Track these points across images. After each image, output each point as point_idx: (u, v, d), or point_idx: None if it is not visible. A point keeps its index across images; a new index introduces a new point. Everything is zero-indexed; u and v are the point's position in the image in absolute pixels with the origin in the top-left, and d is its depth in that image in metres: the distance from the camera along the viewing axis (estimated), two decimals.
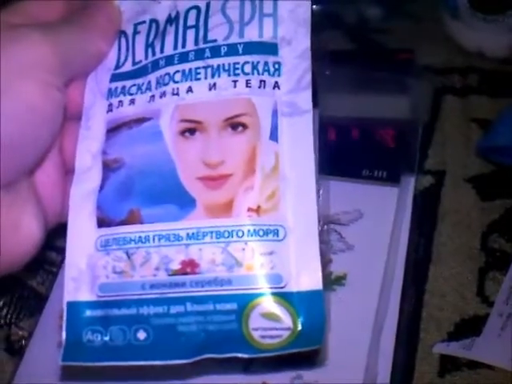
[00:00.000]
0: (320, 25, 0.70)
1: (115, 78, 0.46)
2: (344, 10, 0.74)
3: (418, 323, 0.53)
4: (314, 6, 0.69)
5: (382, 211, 0.56)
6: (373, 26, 0.73)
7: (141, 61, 0.46)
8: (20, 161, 0.42)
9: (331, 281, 0.53)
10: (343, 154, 0.59)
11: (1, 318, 0.56)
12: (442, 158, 0.62)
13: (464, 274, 0.55)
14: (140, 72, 0.45)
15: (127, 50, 0.46)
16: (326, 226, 0.55)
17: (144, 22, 0.46)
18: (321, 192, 0.55)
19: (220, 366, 0.50)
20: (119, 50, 0.46)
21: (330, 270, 0.54)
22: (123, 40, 0.46)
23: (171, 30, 0.45)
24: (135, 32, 0.46)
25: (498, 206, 0.59)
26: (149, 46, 0.46)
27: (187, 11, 0.45)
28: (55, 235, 0.46)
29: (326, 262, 0.54)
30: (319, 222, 0.53)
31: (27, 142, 0.42)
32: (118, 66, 0.46)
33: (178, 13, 0.46)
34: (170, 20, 0.46)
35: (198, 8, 0.45)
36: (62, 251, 0.45)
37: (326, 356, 0.50)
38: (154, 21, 0.46)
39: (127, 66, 0.46)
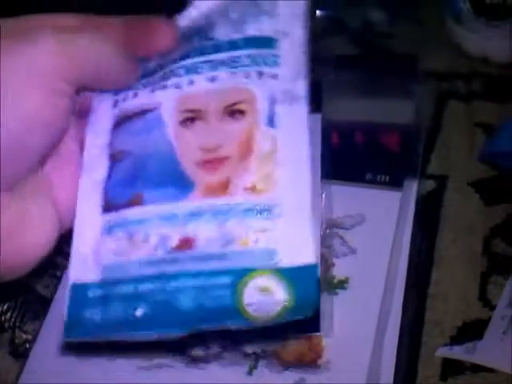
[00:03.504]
0: (325, 30, 0.70)
1: None
2: (349, 16, 0.74)
3: (420, 327, 0.53)
4: (319, 12, 0.69)
5: (384, 215, 0.56)
6: (377, 31, 0.73)
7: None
8: (20, 164, 0.42)
9: (334, 284, 0.53)
10: (346, 158, 0.59)
11: (5, 322, 0.56)
12: (445, 163, 0.62)
13: (466, 278, 0.56)
14: (146, 73, 0.46)
15: None
16: (328, 230, 0.55)
17: None
18: (324, 196, 0.55)
19: (224, 369, 0.50)
20: None
21: (333, 273, 0.54)
22: None
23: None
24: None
25: (500, 210, 0.59)
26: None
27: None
28: (60, 239, 0.46)
29: (328, 266, 0.54)
30: (322, 226, 0.53)
31: (27, 146, 0.41)
32: None
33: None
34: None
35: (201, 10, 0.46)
36: (66, 256, 0.46)
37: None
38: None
39: None
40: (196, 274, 0.42)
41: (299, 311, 0.41)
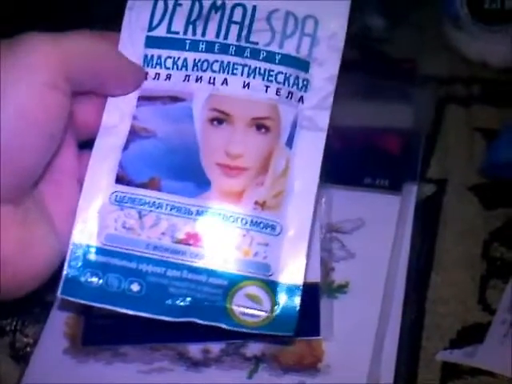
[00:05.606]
0: None
1: (150, 42, 0.48)
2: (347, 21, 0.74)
3: (420, 331, 0.53)
4: None
5: (384, 219, 0.56)
6: (376, 35, 0.73)
7: (178, 32, 0.48)
8: (18, 170, 0.41)
9: (333, 289, 0.53)
10: (345, 162, 0.60)
11: (6, 325, 0.56)
12: (444, 167, 0.62)
13: (466, 281, 0.55)
14: (176, 44, 0.48)
15: (163, 14, 0.48)
16: (328, 234, 0.55)
17: None
18: (323, 200, 0.55)
19: (224, 373, 0.50)
20: (153, 10, 0.48)
21: (332, 278, 0.54)
22: (160, 2, 0.48)
23: (215, 17, 0.48)
24: (176, 3, 0.48)
25: (500, 214, 0.59)
26: (190, 23, 0.48)
27: (234, 6, 0.48)
28: None
29: (327, 270, 0.54)
30: (321, 229, 0.54)
31: (22, 150, 0.40)
32: (151, 28, 0.48)
33: (224, 3, 0.48)
34: (215, 7, 0.48)
35: (244, 7, 0.48)
36: None
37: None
38: (198, 0, 0.48)
39: (161, 31, 0.48)
40: (196, 270, 0.45)
41: (279, 326, 0.45)
